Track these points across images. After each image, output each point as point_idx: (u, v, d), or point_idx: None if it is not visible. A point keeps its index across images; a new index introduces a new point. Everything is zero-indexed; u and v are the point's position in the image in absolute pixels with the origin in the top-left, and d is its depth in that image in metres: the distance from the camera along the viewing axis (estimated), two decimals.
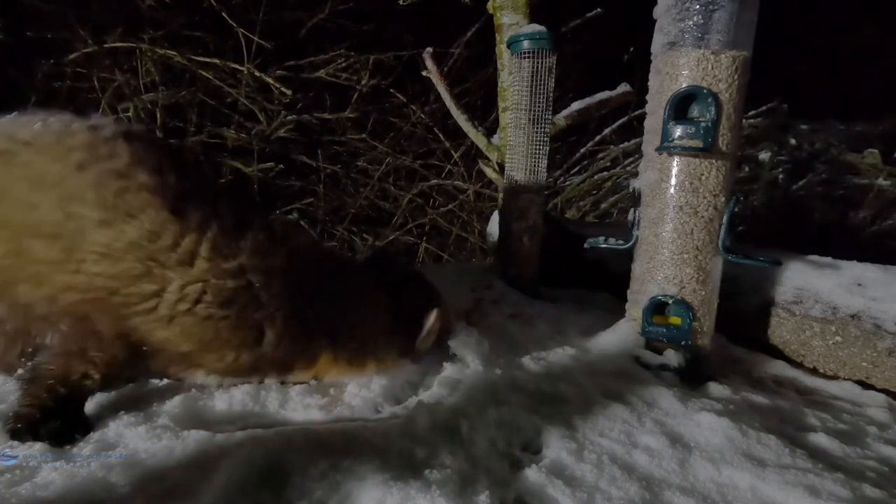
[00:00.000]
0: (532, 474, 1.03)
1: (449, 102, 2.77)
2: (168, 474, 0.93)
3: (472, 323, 1.81)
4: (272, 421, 1.16)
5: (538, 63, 2.16)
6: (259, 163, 4.06)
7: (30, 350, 1.11)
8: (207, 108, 4.00)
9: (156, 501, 0.88)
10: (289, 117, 4.13)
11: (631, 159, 4.43)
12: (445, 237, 4.77)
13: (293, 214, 4.16)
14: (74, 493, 0.86)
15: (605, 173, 4.63)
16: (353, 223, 4.53)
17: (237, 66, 3.85)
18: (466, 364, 1.44)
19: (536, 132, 2.22)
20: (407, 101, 4.58)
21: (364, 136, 4.50)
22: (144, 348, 1.12)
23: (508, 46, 2.28)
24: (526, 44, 2.16)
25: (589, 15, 2.92)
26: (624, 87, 2.69)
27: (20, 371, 1.10)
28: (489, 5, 2.51)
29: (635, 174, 1.75)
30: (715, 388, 1.49)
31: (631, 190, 1.71)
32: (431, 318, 1.40)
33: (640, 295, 1.67)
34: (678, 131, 1.53)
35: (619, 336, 1.68)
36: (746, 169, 4.19)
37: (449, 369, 1.42)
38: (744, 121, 3.27)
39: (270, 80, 3.89)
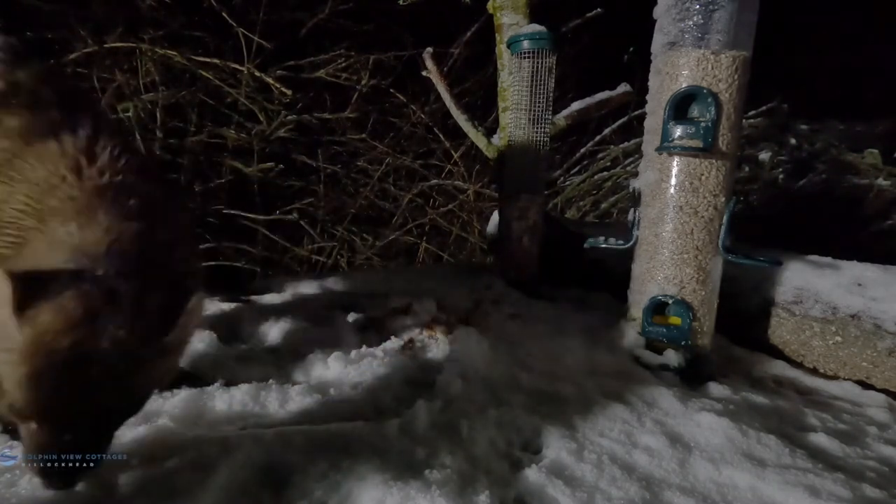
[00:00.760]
0: (532, 474, 1.03)
1: (449, 102, 2.77)
2: (168, 474, 0.93)
3: (472, 323, 1.81)
4: (272, 421, 1.15)
5: (538, 63, 2.16)
6: (259, 163, 4.05)
7: None
8: (207, 108, 3.99)
9: (156, 501, 0.87)
10: (289, 117, 4.12)
11: (631, 159, 4.43)
12: (445, 237, 4.77)
13: (293, 214, 4.16)
14: (74, 493, 0.86)
15: (605, 173, 4.63)
16: (353, 223, 4.52)
17: (237, 66, 3.85)
18: (466, 364, 1.44)
19: (536, 132, 2.22)
20: (407, 101, 4.58)
21: (364, 136, 4.50)
22: None
23: (508, 46, 2.28)
24: (526, 44, 2.16)
25: (589, 15, 2.92)
26: (624, 87, 2.70)
27: None
28: (489, 5, 2.51)
29: (635, 174, 1.75)
30: (715, 388, 1.49)
31: (631, 190, 1.71)
32: None
33: (640, 295, 1.67)
34: (678, 131, 1.53)
35: (619, 336, 1.68)
36: (746, 169, 4.19)
37: (449, 369, 1.42)
38: (744, 121, 3.26)
39: (270, 80, 3.88)
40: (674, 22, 1.55)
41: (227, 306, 1.83)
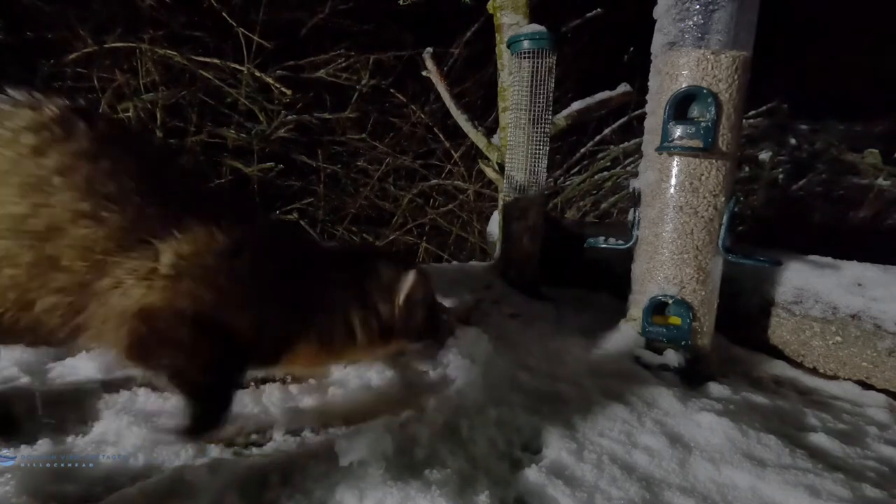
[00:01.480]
0: (532, 474, 1.03)
1: (449, 102, 2.76)
2: (168, 474, 0.92)
3: (472, 323, 1.80)
4: (272, 421, 1.15)
5: (538, 63, 2.16)
6: (259, 163, 4.05)
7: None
8: (207, 108, 3.99)
9: (156, 501, 0.87)
10: (289, 117, 4.13)
11: (631, 159, 4.43)
12: (445, 237, 4.77)
13: (293, 214, 4.16)
14: (74, 493, 0.86)
15: (605, 173, 4.63)
16: (353, 223, 4.52)
17: (237, 66, 3.85)
18: (466, 364, 1.43)
19: (536, 132, 2.22)
20: (407, 101, 4.58)
21: (364, 136, 4.50)
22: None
23: (508, 46, 2.28)
24: (526, 44, 2.16)
25: (589, 15, 2.92)
26: (624, 87, 2.69)
27: None
28: (489, 5, 2.51)
29: (635, 174, 1.75)
30: (715, 388, 1.49)
31: (631, 190, 1.71)
32: (408, 279, 1.20)
33: (640, 295, 1.67)
34: (678, 131, 1.53)
35: (619, 336, 1.68)
36: (746, 169, 4.20)
37: (449, 369, 1.42)
38: (744, 121, 3.26)
39: (270, 80, 3.89)
40: (674, 22, 1.55)
41: None
